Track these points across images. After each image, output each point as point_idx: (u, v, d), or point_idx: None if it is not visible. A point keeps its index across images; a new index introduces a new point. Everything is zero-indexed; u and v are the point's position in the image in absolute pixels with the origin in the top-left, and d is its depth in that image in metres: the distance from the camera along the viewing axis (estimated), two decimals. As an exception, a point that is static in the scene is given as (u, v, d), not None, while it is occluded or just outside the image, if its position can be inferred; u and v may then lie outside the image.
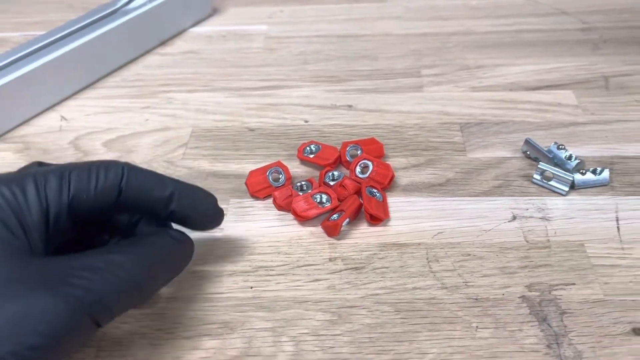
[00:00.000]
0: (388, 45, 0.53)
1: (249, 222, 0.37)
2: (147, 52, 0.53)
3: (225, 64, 0.51)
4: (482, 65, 0.49)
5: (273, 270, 0.34)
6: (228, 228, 0.36)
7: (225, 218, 0.36)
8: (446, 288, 0.32)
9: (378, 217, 0.35)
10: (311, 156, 0.40)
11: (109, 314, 0.25)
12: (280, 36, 0.55)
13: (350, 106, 0.46)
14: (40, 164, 0.30)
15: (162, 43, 0.54)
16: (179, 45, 0.54)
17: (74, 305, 0.23)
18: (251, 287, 0.33)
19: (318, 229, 0.36)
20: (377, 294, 0.32)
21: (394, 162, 0.40)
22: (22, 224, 0.25)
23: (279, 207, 0.37)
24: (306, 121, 0.44)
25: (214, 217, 0.32)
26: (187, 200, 0.30)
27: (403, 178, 0.39)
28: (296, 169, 0.40)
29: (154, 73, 0.51)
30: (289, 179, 0.39)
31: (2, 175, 0.27)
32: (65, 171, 0.27)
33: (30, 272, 0.24)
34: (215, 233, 0.36)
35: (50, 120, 0.46)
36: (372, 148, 0.40)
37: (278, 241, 0.35)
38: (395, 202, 0.37)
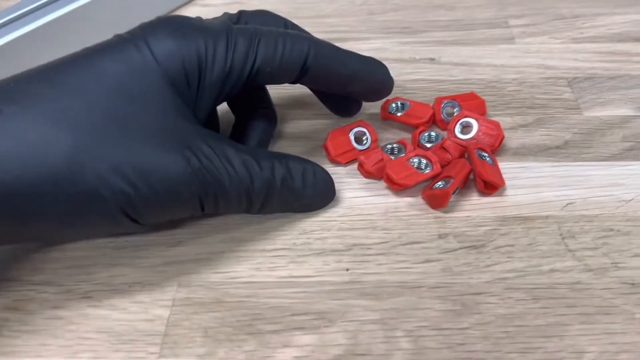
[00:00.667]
0: (464, -6, 0.46)
1: (332, 191, 0.30)
2: (186, 3, 0.47)
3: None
4: (579, 14, 0.42)
5: (371, 248, 0.27)
6: (307, 198, 0.30)
7: None
8: (591, 270, 0.26)
9: (494, 185, 0.29)
10: (399, 114, 0.33)
11: (215, 207, 0.25)
12: (337, -15, 0.48)
13: (432, 59, 0.39)
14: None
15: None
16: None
17: (198, 175, 0.24)
18: (347, 270, 0.26)
19: (418, 200, 0.30)
20: (506, 278, 0.26)
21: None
22: (200, 81, 0.25)
23: (367, 174, 0.31)
24: (383, 76, 0.38)
25: (387, 92, 0.32)
26: (366, 83, 0.30)
27: (512, 140, 0.33)
28: (380, 130, 0.34)
29: (196, 25, 0.44)
30: (375, 140, 0.32)
31: (205, 23, 0.26)
32: (254, 37, 0.26)
33: (179, 132, 0.24)
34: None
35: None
36: (472, 104, 0.33)
37: (370, 214, 0.29)
38: (507, 167, 0.31)
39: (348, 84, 0.29)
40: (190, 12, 0.45)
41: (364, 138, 0.32)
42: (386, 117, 0.34)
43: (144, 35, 0.25)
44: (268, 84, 0.29)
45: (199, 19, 0.27)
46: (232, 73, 0.26)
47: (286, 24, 0.31)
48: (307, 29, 0.43)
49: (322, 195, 0.29)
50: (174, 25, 0.25)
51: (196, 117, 0.26)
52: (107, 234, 0.28)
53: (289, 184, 0.27)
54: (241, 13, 0.31)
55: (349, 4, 0.45)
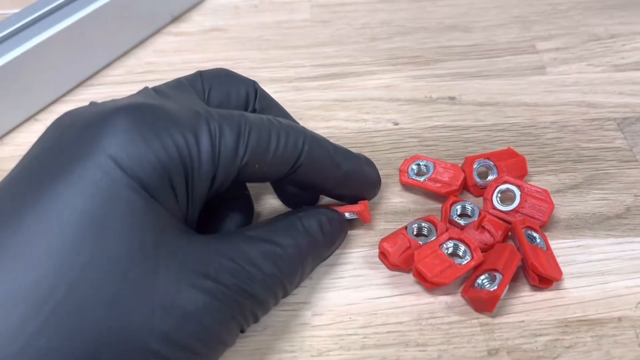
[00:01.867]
0: (480, 10, 0.39)
1: (348, 289, 0.24)
2: (157, 31, 0.40)
3: (265, 45, 0.38)
4: (616, 33, 0.36)
5: (405, 376, 0.22)
6: (316, 301, 0.24)
7: (309, 284, 0.25)
8: (687, 398, 0.20)
9: (551, 279, 0.23)
10: (421, 179, 0.27)
11: (254, 319, 0.21)
12: (331, 3, 0.41)
13: (452, 98, 0.33)
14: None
15: (175, 19, 0.41)
16: (197, 20, 0.41)
17: (230, 305, 0.19)
18: (377, 411, 0.21)
19: (457, 299, 0.24)
20: (581, 415, 0.20)
21: (540, 182, 0.28)
22: (188, 186, 0.20)
23: (392, 267, 0.25)
24: (396, 123, 0.32)
25: (373, 195, 0.27)
26: (357, 184, 0.25)
27: (561, 208, 0.27)
28: (398, 198, 0.28)
29: (169, 61, 0.37)
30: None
31: (170, 112, 0.20)
32: (243, 125, 0.21)
33: (190, 262, 0.19)
34: (298, 310, 0.24)
35: (30, 135, 0.33)
36: (510, 164, 0.27)
37: (400, 322, 0.23)
38: (560, 247, 0.25)
39: (336, 187, 0.24)
40: (162, 43, 0.39)
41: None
42: (406, 182, 0.28)
43: (101, 142, 0.18)
44: (251, 182, 0.24)
45: (161, 104, 0.20)
46: (220, 170, 0.20)
47: (255, 86, 0.25)
48: (300, 61, 0.37)
49: (342, 235, 0.25)
50: (138, 120, 0.19)
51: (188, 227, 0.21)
52: None
53: (317, 245, 0.23)
54: (201, 75, 0.24)
55: (347, 28, 0.39)
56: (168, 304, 0.18)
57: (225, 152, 0.20)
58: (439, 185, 0.27)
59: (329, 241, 0.24)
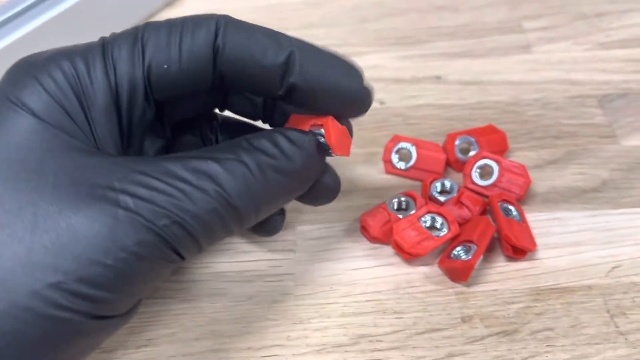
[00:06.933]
0: (469, -9, 0.40)
1: (330, 261, 0.25)
2: (150, 16, 0.41)
3: (257, 27, 0.39)
4: (603, 12, 0.37)
5: (381, 341, 0.23)
6: (300, 272, 0.25)
7: (293, 256, 0.25)
8: (651, 361, 0.21)
9: (524, 249, 0.24)
10: (404, 167, 0.28)
11: (195, 244, 0.19)
12: (323, -14, 0.42)
13: (438, 77, 0.33)
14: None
15: (168, 3, 0.42)
16: (190, 4, 0.41)
17: (142, 228, 0.17)
18: (354, 373, 0.22)
19: (434, 270, 0.25)
20: (548, 377, 0.21)
21: (520, 157, 0.29)
22: (84, 106, 0.19)
23: (373, 239, 0.26)
24: (382, 102, 0.32)
25: (359, 95, 0.22)
26: (315, 68, 0.20)
27: (539, 182, 0.28)
28: (383, 175, 0.29)
29: (163, 44, 0.38)
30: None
31: (69, 47, 0.20)
32: (138, 33, 0.20)
33: (87, 175, 0.18)
34: (282, 281, 0.25)
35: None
36: (491, 140, 0.28)
37: (379, 291, 0.24)
38: (536, 220, 0.26)
39: (288, 70, 0.20)
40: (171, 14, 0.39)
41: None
42: (392, 172, 0.28)
43: (9, 91, 0.19)
44: (178, 87, 0.20)
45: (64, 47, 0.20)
46: (121, 85, 0.19)
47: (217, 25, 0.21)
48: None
49: (315, 162, 0.21)
50: (27, 63, 0.20)
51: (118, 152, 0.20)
52: (91, 345, 0.20)
53: (273, 166, 0.20)
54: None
55: (339, 9, 0.39)
56: (51, 233, 0.17)
57: (121, 63, 0.19)
58: (422, 172, 0.28)
59: (292, 163, 0.20)
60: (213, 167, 0.19)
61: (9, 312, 0.16)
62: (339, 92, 0.21)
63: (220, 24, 0.20)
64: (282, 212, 0.25)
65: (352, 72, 0.22)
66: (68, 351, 0.18)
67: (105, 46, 0.20)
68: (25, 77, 0.19)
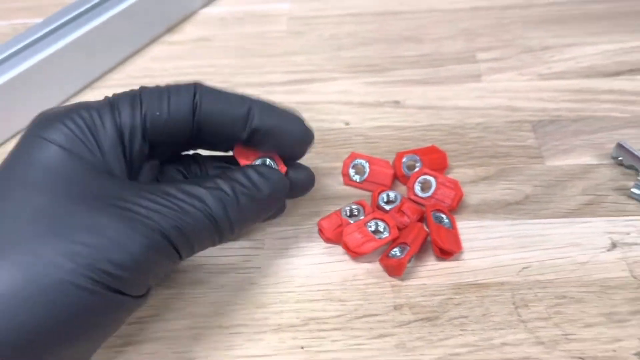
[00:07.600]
0: (434, 24, 0.45)
1: (291, 257, 0.31)
2: (153, 41, 0.46)
3: (245, 53, 0.44)
4: (548, 46, 0.42)
5: (327, 323, 0.28)
6: (265, 266, 0.30)
7: (261, 252, 0.30)
8: (542, 343, 0.26)
9: (450, 251, 0.29)
10: (359, 180, 0.33)
11: (189, 245, 0.25)
12: (306, 16, 0.47)
13: (397, 102, 0.39)
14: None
15: (169, 29, 0.47)
16: (188, 30, 0.47)
17: (152, 229, 0.23)
18: (302, 347, 0.27)
19: (376, 266, 0.30)
20: (457, 354, 0.26)
21: (458, 174, 0.34)
22: (98, 142, 0.25)
23: (327, 240, 0.31)
24: (347, 123, 0.38)
25: (303, 135, 0.29)
26: (269, 116, 0.27)
27: (472, 195, 0.33)
28: (342, 186, 0.34)
29: (163, 67, 0.43)
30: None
31: (83, 103, 0.27)
32: (136, 93, 0.27)
33: (106, 191, 0.24)
34: (250, 273, 0.30)
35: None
36: (433, 158, 0.33)
37: (329, 283, 0.29)
38: (466, 227, 0.31)
39: (249, 118, 0.27)
40: (157, 51, 0.45)
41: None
42: (349, 184, 0.34)
43: (38, 132, 0.25)
44: (167, 132, 0.27)
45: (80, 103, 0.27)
46: (124, 125, 0.26)
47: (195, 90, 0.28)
48: (275, 68, 0.43)
49: (280, 187, 0.28)
50: (52, 112, 0.26)
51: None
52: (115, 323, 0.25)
53: (242, 191, 0.26)
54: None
55: (317, 39, 0.45)
56: (84, 230, 0.22)
57: (124, 110, 0.26)
58: (374, 184, 0.33)
59: (260, 192, 0.26)
60: (200, 191, 0.25)
61: (59, 286, 0.22)
62: (288, 131, 0.28)
63: (198, 87, 0.27)
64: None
65: (296, 118, 0.29)
66: (99, 322, 0.23)
67: (112, 101, 0.26)
68: (52, 121, 0.25)
